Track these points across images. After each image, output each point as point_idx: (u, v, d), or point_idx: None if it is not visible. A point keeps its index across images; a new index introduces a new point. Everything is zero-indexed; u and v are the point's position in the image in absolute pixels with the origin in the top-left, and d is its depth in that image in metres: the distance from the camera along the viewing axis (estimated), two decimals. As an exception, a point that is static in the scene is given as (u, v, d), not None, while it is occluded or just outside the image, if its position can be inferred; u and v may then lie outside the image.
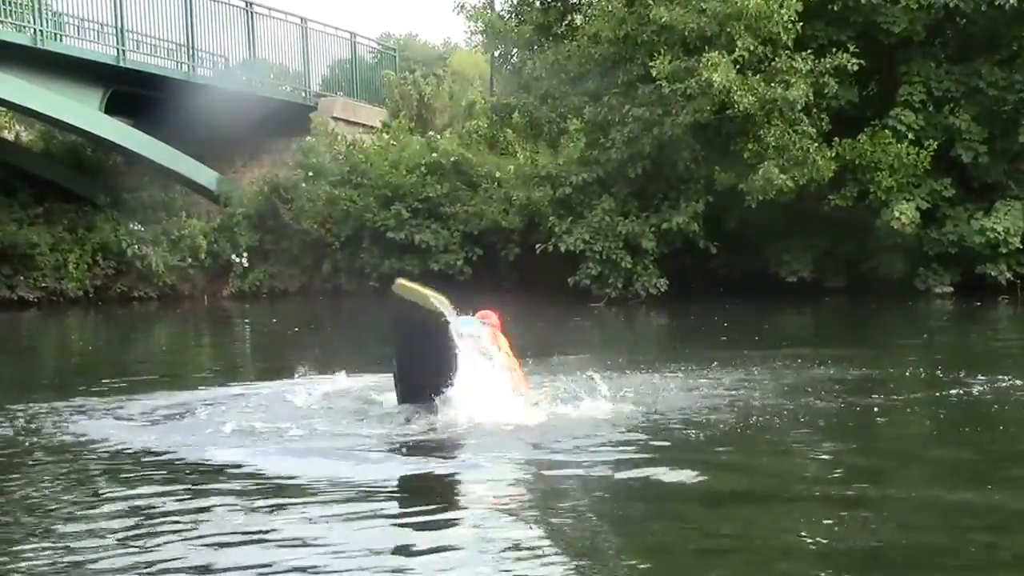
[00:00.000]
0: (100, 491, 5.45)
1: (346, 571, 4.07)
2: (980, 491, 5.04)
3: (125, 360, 13.33)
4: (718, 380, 8.52)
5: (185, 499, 5.22)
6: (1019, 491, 5.13)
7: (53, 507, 5.14)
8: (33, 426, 7.25)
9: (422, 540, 4.46)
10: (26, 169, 22.96)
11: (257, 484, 5.49)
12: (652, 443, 6.22)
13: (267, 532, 4.58)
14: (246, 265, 22.12)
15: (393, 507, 5.08)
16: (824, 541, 4.27)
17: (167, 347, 15.41)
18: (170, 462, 6.05)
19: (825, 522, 4.52)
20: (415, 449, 6.21)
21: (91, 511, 5.03)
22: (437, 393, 6.88)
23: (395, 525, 4.70)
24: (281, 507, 5.01)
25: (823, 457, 5.89)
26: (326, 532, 4.55)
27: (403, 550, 4.34)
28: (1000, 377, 8.42)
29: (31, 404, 8.06)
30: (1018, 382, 8.23)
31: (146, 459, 6.15)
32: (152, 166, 21.70)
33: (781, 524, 4.66)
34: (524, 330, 15.06)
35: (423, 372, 7.01)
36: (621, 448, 6.12)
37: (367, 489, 5.32)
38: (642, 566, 4.10)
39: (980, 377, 8.39)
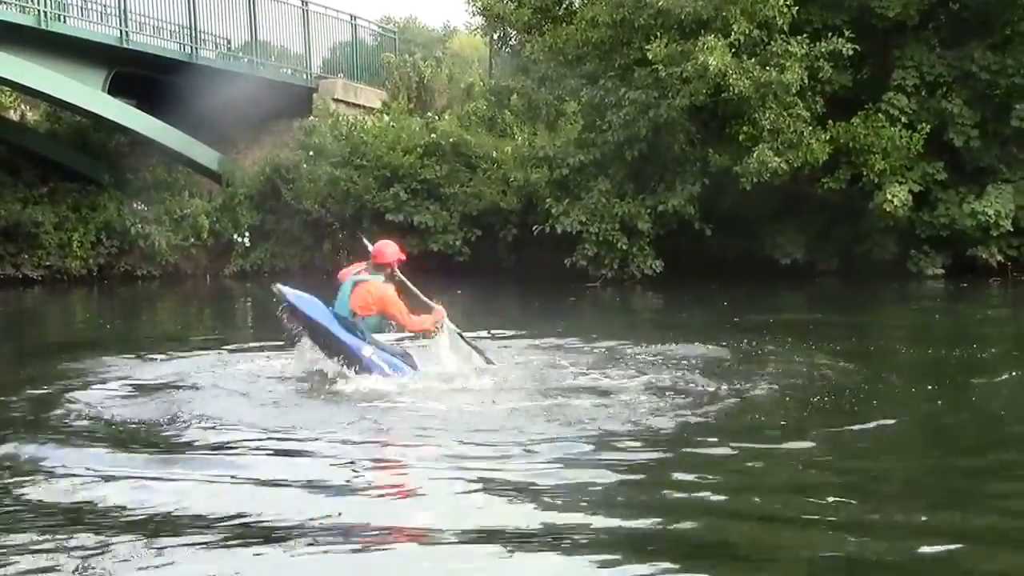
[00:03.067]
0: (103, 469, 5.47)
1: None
2: (970, 490, 4.94)
3: (132, 334, 13.62)
4: (704, 361, 8.58)
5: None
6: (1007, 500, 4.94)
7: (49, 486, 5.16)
8: (46, 401, 7.47)
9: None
10: (31, 149, 23.23)
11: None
12: (631, 427, 6.23)
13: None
14: (247, 244, 22.35)
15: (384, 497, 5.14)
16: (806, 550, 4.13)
17: (180, 323, 15.64)
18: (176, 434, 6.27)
19: (808, 528, 4.37)
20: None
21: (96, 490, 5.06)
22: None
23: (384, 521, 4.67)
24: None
25: (807, 452, 5.64)
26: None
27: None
28: (987, 357, 8.59)
29: (44, 379, 8.35)
30: (1007, 353, 8.43)
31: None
32: (155, 146, 21.91)
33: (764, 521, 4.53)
34: (521, 309, 15.39)
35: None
36: (592, 428, 6.14)
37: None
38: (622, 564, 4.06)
39: (973, 358, 8.56)
